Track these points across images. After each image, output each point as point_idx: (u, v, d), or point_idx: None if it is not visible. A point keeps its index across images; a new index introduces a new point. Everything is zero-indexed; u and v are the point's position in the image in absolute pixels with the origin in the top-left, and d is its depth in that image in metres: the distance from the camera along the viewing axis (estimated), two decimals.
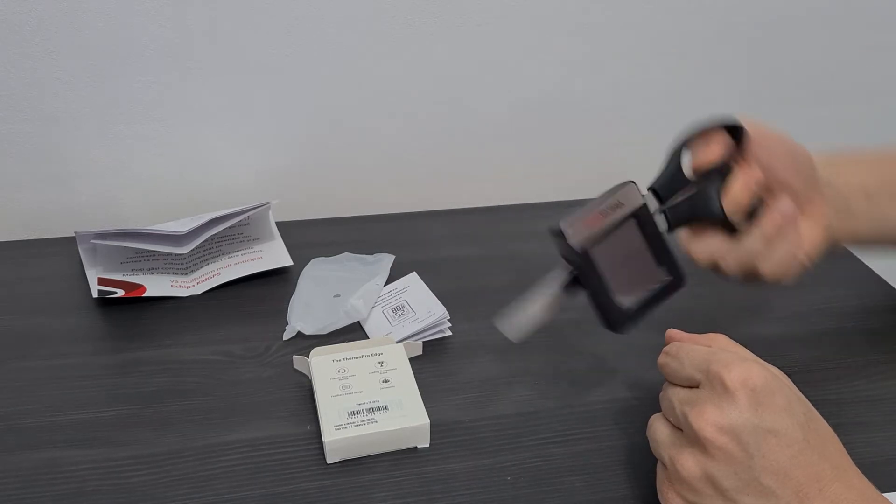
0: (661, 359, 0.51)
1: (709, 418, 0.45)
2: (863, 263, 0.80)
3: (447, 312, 0.68)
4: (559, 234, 0.52)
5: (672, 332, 0.54)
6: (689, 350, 0.50)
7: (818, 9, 0.93)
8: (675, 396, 0.49)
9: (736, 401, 0.45)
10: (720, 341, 0.51)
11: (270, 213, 0.81)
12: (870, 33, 0.96)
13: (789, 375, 0.64)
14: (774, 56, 0.95)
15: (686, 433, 0.47)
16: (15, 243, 0.82)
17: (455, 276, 0.76)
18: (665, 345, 0.53)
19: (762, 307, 0.72)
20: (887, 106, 1.01)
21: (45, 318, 0.70)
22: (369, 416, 0.57)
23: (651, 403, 0.54)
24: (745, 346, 0.50)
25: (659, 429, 0.50)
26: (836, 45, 0.96)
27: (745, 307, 0.72)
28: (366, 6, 0.82)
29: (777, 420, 0.44)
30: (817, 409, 0.62)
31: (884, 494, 0.53)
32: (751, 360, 0.48)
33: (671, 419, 0.49)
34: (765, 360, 0.66)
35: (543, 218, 0.88)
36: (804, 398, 0.48)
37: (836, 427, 0.59)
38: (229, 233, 0.78)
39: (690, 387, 0.48)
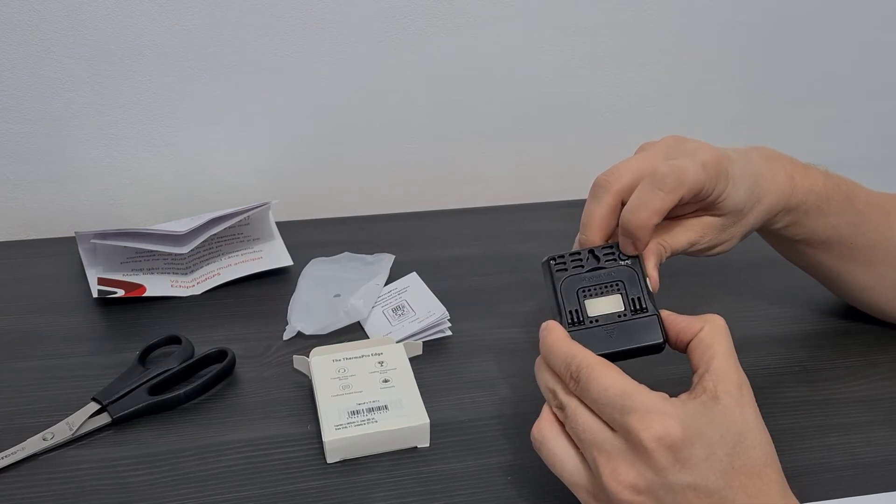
0: (571, 385, 0.47)
1: (624, 480, 0.43)
2: None
3: (447, 312, 0.68)
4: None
5: (665, 315, 0.50)
6: (599, 384, 0.45)
7: (819, 9, 0.93)
8: (584, 430, 0.46)
9: (653, 461, 0.43)
10: (716, 323, 0.48)
11: (270, 213, 0.81)
12: (870, 33, 0.96)
13: (789, 375, 0.65)
14: (775, 56, 0.95)
15: (598, 483, 0.45)
16: (15, 243, 0.82)
17: (455, 276, 0.76)
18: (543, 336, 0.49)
19: (762, 307, 0.72)
20: (887, 106, 1.01)
21: (45, 318, 0.70)
22: (369, 416, 0.57)
23: None
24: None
25: (562, 454, 0.47)
26: (837, 45, 0.96)
27: (744, 307, 0.72)
28: (365, 7, 0.82)
29: (696, 473, 0.43)
30: (817, 409, 0.62)
31: (884, 494, 0.53)
32: (671, 404, 0.44)
33: (573, 438, 0.47)
34: (763, 360, 0.66)
35: (543, 218, 0.89)
36: (739, 421, 0.44)
37: (836, 427, 0.59)
38: (229, 233, 0.78)
39: (602, 421, 0.45)
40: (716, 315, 0.49)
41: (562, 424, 0.48)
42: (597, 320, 0.51)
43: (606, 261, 0.53)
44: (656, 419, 0.43)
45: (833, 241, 0.62)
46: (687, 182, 0.51)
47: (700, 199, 0.53)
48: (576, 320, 0.51)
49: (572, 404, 0.47)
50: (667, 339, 0.50)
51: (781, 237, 0.62)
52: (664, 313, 0.51)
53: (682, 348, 0.49)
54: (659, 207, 0.50)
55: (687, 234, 0.55)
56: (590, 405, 0.46)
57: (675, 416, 0.43)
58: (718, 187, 0.53)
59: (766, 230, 0.61)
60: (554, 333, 0.49)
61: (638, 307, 0.51)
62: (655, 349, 0.50)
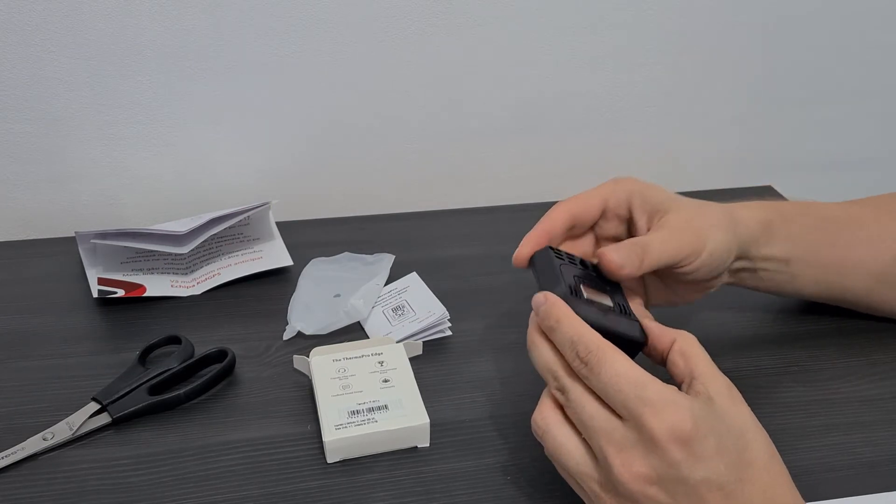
0: (576, 365, 0.46)
1: (637, 471, 0.43)
2: None
3: (447, 312, 0.68)
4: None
5: (647, 324, 0.51)
6: (611, 369, 0.44)
7: (819, 9, 0.93)
8: (591, 418, 0.45)
9: (667, 454, 0.42)
10: (688, 335, 0.49)
11: (270, 213, 0.81)
12: (870, 33, 0.96)
13: (789, 375, 0.65)
14: (775, 56, 0.95)
15: (606, 473, 0.44)
16: (15, 243, 0.82)
17: (455, 276, 0.76)
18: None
19: (762, 307, 0.72)
20: (887, 106, 1.01)
21: (45, 318, 0.70)
22: (369, 416, 0.57)
23: None
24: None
25: (567, 443, 0.47)
26: (837, 45, 0.96)
27: (744, 306, 0.72)
28: (365, 7, 0.82)
29: (708, 467, 0.43)
30: (817, 408, 0.62)
31: (884, 494, 0.53)
32: (683, 397, 0.44)
33: (577, 424, 0.46)
34: (763, 360, 0.66)
35: None
36: (738, 418, 0.45)
37: (835, 427, 0.59)
38: (229, 233, 0.78)
39: (608, 408, 0.45)
40: (686, 333, 0.49)
41: (562, 408, 0.48)
42: (591, 301, 0.51)
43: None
44: (670, 412, 0.43)
45: (817, 252, 0.63)
46: (593, 196, 0.57)
47: (633, 203, 0.57)
48: (573, 293, 0.50)
49: (577, 389, 0.46)
50: (646, 342, 0.51)
51: (770, 273, 0.63)
52: (643, 320, 0.52)
53: (657, 356, 0.50)
54: (563, 209, 0.56)
55: (665, 244, 0.55)
56: (595, 390, 0.45)
57: (689, 409, 0.43)
58: (638, 188, 0.57)
59: (752, 270, 0.62)
60: (560, 306, 0.48)
61: (624, 311, 0.52)
62: (635, 345, 0.51)
